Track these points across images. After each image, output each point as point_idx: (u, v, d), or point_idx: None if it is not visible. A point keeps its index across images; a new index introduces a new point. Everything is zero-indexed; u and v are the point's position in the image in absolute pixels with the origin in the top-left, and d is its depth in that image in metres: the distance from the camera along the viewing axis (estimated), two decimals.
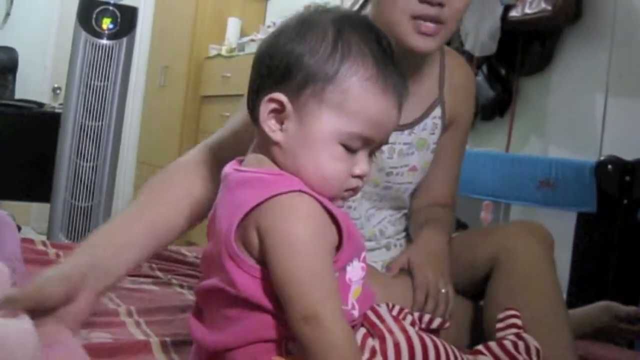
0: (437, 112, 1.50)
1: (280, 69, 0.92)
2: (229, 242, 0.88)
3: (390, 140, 1.15)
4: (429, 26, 1.25)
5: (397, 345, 0.97)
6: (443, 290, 1.33)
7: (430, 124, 1.49)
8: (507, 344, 1.10)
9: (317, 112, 0.91)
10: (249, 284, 0.89)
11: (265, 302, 0.88)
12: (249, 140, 1.01)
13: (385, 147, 1.34)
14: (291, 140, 0.92)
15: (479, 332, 1.41)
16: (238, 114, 1.36)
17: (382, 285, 1.31)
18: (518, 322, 1.14)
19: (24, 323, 0.89)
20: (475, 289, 1.44)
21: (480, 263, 1.42)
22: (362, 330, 0.99)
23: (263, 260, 0.88)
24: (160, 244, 1.21)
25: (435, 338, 1.02)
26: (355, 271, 0.95)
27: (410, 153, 1.48)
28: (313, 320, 0.83)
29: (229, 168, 0.98)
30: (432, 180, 1.56)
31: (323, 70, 0.90)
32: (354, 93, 0.91)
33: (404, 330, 0.99)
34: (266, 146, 0.94)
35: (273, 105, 0.92)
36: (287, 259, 0.86)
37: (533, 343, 1.10)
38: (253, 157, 0.97)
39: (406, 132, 1.46)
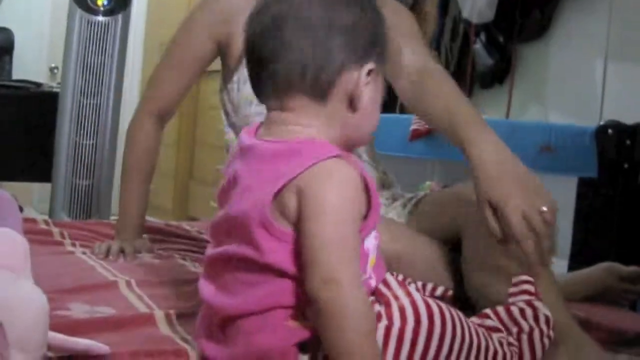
0: None
1: (366, 42, 0.99)
2: (263, 209, 0.91)
3: None
4: None
5: (402, 309, 0.97)
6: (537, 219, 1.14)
7: None
8: (515, 310, 1.10)
9: (380, 75, 1.02)
10: (276, 250, 0.91)
11: (289, 267, 0.91)
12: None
13: None
14: (366, 107, 1.00)
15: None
16: (171, 75, 1.78)
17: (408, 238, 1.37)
18: (531, 288, 1.13)
19: (28, 286, 0.90)
20: (452, 245, 1.44)
21: (455, 221, 1.42)
22: (370, 298, 1.00)
23: (297, 223, 0.91)
24: None
25: (440, 302, 1.02)
26: (370, 240, 0.97)
27: None
28: (333, 284, 0.86)
29: (249, 139, 1.00)
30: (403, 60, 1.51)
31: (383, 38, 1.02)
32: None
33: (409, 294, 0.99)
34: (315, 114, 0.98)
35: (369, 77, 0.99)
36: (318, 223, 0.89)
37: (543, 311, 1.10)
38: (282, 127, 0.99)
39: None
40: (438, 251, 1.42)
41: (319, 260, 0.87)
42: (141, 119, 1.81)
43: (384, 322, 0.97)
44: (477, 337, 1.04)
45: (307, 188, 0.89)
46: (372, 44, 0.99)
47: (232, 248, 0.95)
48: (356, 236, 0.91)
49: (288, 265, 0.91)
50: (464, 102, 1.34)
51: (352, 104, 0.98)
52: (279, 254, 0.91)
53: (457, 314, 1.03)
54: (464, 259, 1.37)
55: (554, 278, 1.29)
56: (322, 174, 0.90)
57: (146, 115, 1.80)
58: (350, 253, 0.89)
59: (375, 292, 1.01)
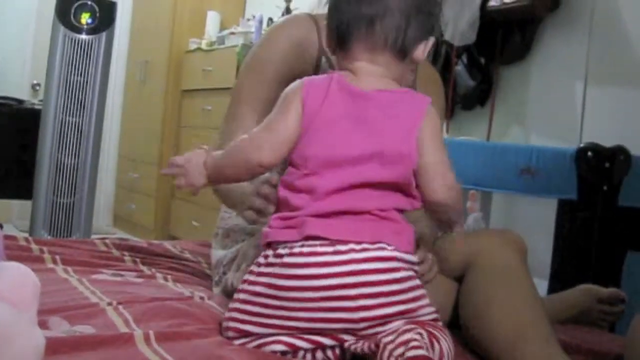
0: None
1: (432, 24, 1.32)
2: (410, 140, 1.21)
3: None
4: None
5: None
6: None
7: None
8: None
9: None
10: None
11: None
12: None
13: None
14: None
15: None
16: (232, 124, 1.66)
17: None
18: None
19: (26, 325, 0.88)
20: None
21: (455, 263, 1.45)
22: None
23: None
24: None
25: None
26: None
27: None
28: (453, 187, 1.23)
29: (355, 88, 1.26)
30: None
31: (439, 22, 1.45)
32: None
33: None
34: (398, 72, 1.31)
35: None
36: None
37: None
38: (383, 80, 1.29)
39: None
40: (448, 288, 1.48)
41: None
42: None
43: None
44: None
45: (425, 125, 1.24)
46: (435, 25, 1.34)
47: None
48: None
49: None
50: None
51: (412, 63, 1.33)
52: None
53: None
54: (465, 299, 1.42)
55: None
56: (432, 114, 1.25)
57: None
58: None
59: None
